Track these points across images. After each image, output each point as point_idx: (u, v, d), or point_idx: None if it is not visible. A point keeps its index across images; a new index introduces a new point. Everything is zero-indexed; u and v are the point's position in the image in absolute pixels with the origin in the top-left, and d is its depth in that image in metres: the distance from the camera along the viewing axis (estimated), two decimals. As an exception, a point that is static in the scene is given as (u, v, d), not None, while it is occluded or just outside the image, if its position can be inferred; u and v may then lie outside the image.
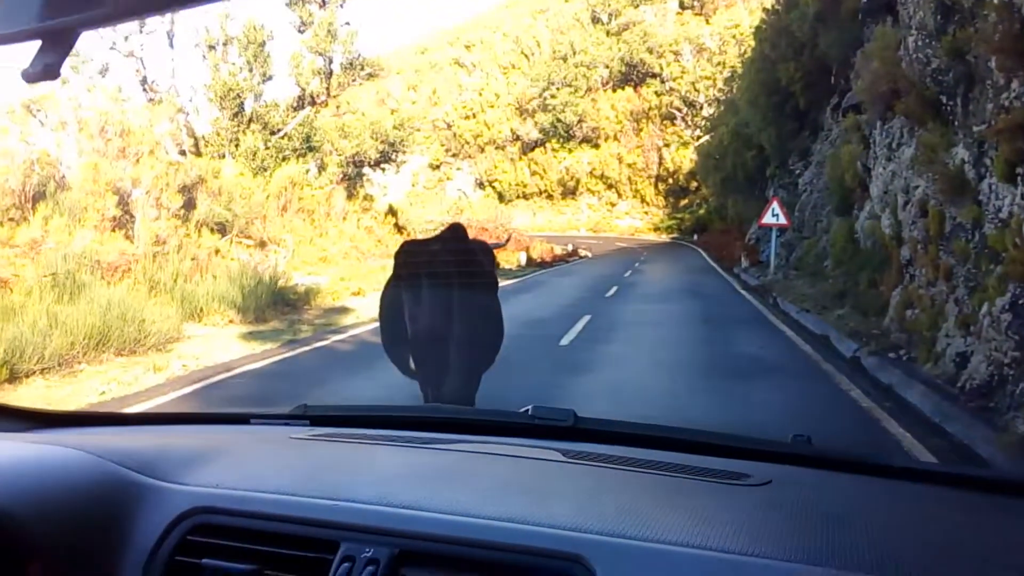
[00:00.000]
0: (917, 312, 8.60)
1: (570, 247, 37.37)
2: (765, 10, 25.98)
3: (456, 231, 4.94)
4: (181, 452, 1.59)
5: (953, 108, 7.68)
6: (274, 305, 12.00)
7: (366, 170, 25.78)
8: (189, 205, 16.05)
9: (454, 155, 72.46)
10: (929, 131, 8.27)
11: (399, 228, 25.39)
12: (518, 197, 67.30)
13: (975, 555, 1.17)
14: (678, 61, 61.90)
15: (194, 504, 1.35)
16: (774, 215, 18.98)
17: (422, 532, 1.21)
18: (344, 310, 13.02)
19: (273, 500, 1.34)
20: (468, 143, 71.39)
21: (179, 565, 1.30)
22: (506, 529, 1.19)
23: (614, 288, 18.24)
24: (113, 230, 13.79)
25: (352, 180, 24.42)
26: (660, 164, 61.64)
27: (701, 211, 51.87)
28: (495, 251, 5.52)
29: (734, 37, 55.50)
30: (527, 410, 1.81)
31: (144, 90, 22.88)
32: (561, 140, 66.17)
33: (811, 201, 20.12)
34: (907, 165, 9.51)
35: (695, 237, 46.45)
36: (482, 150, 70.96)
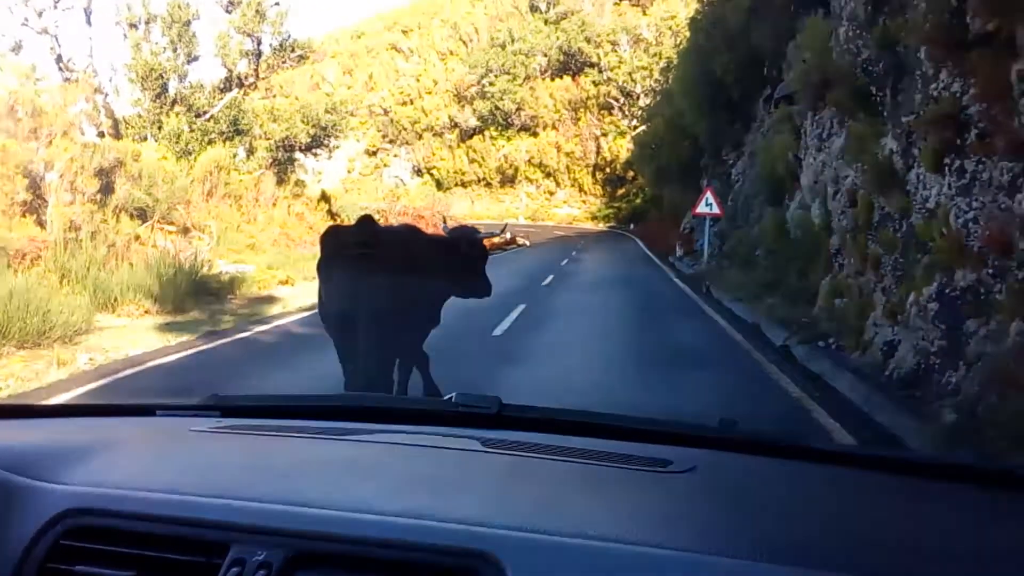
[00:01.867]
0: (846, 301, 8.68)
1: (508, 235, 37.17)
2: (700, 1, 26.15)
3: (366, 221, 5.06)
4: (63, 448, 1.46)
5: (883, 99, 7.72)
6: (195, 294, 11.46)
7: (297, 155, 25.09)
8: (107, 189, 15.27)
9: (391, 141, 71.42)
10: (859, 122, 8.31)
11: (332, 215, 24.80)
12: (456, 185, 66.78)
13: (896, 541, 1.16)
14: (615, 51, 62.16)
15: (70, 505, 1.22)
16: (708, 205, 19.13)
17: (319, 532, 1.12)
18: (271, 299, 12.56)
19: (158, 499, 1.22)
20: (405, 129, 70.44)
21: (51, 573, 1.17)
22: (409, 526, 1.11)
23: (550, 277, 18.17)
24: (23, 215, 13.06)
25: (283, 165, 23.72)
26: (598, 153, 61.94)
27: (637, 200, 52.34)
28: (485, 240, 5.61)
29: (670, 28, 55.89)
30: (451, 397, 1.76)
31: (60, 69, 21.77)
32: (499, 128, 65.86)
33: (744, 191, 20.36)
34: (837, 155, 9.58)
35: (631, 226, 46.87)
36: (420, 137, 70.13)
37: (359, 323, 4.68)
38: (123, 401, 4.37)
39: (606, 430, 1.69)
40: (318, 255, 5.11)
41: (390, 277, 4.67)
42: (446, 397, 1.79)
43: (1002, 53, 5.19)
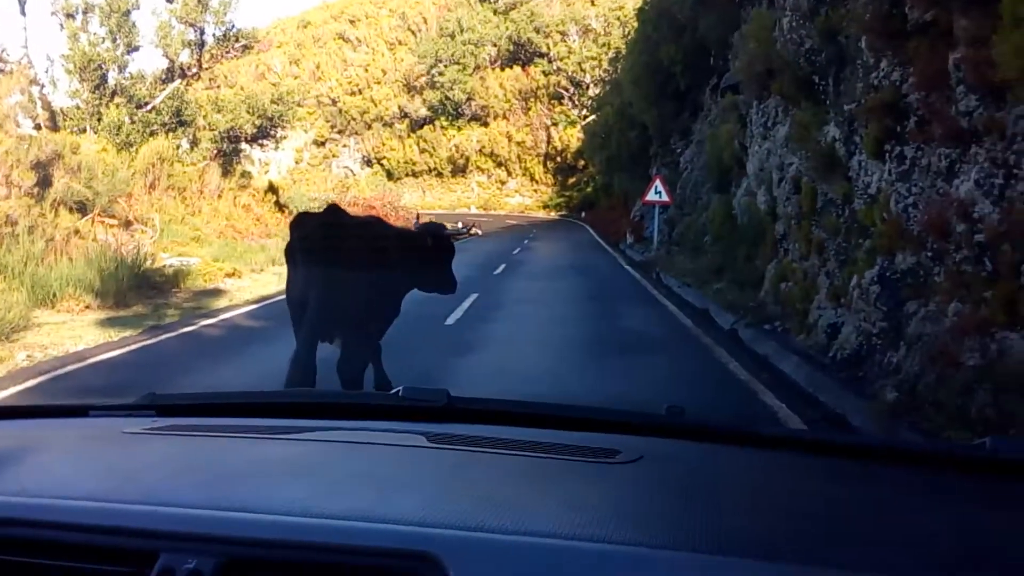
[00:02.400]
0: (791, 285, 8.86)
1: (460, 225, 36.98)
2: (648, -9, 26.31)
3: (334, 209, 5.25)
4: None
5: (825, 88, 7.88)
6: (138, 288, 11.16)
7: (243, 146, 24.55)
8: (44, 183, 14.76)
9: (340, 132, 70.48)
10: (802, 110, 8.47)
11: (280, 206, 24.37)
12: (407, 175, 66.26)
13: (847, 527, 1.16)
14: (565, 41, 62.24)
15: None
16: (657, 192, 19.36)
17: (252, 537, 1.07)
18: (217, 292, 12.31)
19: (82, 508, 1.15)
20: (355, 119, 69.57)
21: None
22: (347, 528, 1.06)
23: (503, 266, 18.16)
24: (-45, 210, 12.55)
25: (228, 156, 23.16)
26: (548, 143, 62.05)
27: (588, 189, 52.57)
28: (452, 238, 5.66)
29: (618, 19, 56.19)
30: (397, 391, 1.73)
31: (-8, 59, 20.93)
32: (450, 118, 65.49)
33: (692, 179, 20.61)
34: (782, 143, 9.75)
35: (583, 214, 47.07)
36: (369, 127, 69.35)
37: (311, 308, 4.77)
38: (58, 401, 4.24)
39: (554, 420, 1.68)
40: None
41: (355, 265, 4.68)
42: (393, 391, 1.76)
43: (939, 42, 5.34)
